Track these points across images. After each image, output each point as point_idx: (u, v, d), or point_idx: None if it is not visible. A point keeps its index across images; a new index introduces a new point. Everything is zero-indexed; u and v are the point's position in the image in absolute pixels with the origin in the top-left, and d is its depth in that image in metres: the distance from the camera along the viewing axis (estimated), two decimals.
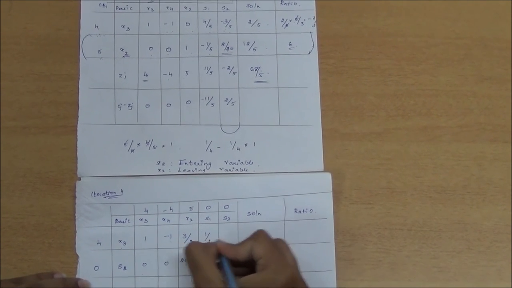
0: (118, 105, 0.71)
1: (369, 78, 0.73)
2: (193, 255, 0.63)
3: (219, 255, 0.63)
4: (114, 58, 0.72)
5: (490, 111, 0.72)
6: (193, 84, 0.72)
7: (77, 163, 0.70)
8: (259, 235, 0.64)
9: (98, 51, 0.72)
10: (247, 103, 0.71)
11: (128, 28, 0.72)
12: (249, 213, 0.69)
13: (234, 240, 0.67)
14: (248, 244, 0.63)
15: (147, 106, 0.71)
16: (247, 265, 0.63)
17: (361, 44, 0.73)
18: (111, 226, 0.69)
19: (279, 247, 0.63)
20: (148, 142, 0.71)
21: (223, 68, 0.72)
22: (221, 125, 0.71)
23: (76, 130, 0.71)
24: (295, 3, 0.73)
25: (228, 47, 0.72)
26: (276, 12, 0.73)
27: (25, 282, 0.65)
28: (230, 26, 0.73)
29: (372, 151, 0.71)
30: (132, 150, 0.70)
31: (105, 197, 0.69)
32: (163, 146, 0.71)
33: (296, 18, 0.73)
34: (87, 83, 0.71)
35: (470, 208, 0.71)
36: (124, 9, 0.73)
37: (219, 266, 0.63)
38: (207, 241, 0.69)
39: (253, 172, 0.70)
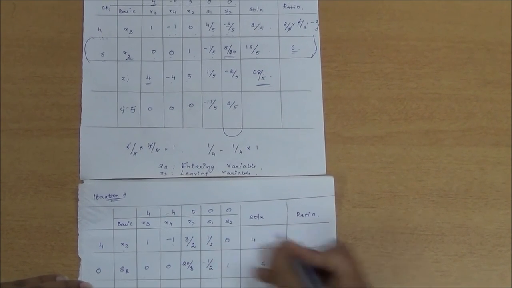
0: (121, 108, 0.71)
1: (371, 82, 0.73)
2: (278, 262, 0.62)
3: (296, 260, 0.62)
4: (117, 61, 0.72)
5: (493, 115, 0.72)
6: (196, 87, 0.72)
7: (79, 165, 0.70)
8: (342, 248, 0.64)
9: (101, 54, 0.72)
10: (249, 106, 0.71)
11: (131, 31, 0.72)
12: (251, 217, 0.69)
13: (236, 245, 0.69)
14: (328, 254, 0.62)
15: (149, 109, 0.71)
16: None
17: (364, 48, 0.74)
18: (114, 229, 0.69)
19: (353, 261, 0.62)
20: (150, 145, 0.71)
21: (225, 71, 0.72)
22: (223, 128, 0.71)
23: (79, 133, 0.71)
24: (298, 7, 0.73)
25: (231, 50, 0.72)
26: (279, 16, 0.73)
27: (26, 284, 0.64)
28: (233, 30, 0.73)
29: (375, 154, 0.71)
30: (135, 153, 0.71)
31: (108, 199, 0.69)
32: (165, 149, 0.71)
33: (299, 22, 0.73)
34: (90, 85, 0.71)
35: (472, 212, 0.71)
36: (127, 12, 0.73)
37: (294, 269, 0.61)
38: (209, 244, 0.69)
39: (255, 175, 0.71)
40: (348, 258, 0.62)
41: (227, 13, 0.73)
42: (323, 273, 0.61)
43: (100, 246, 0.69)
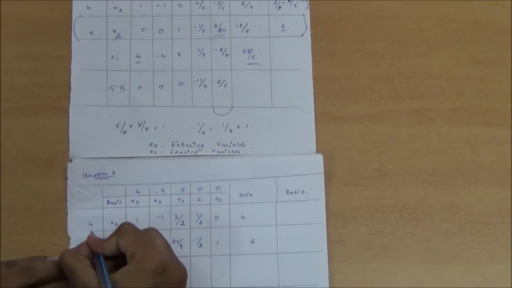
0: (110, 86, 0.72)
1: (362, 61, 0.73)
2: (67, 263, 0.62)
3: (93, 253, 0.63)
4: (107, 39, 0.72)
5: (483, 94, 0.73)
6: (186, 66, 0.72)
7: (69, 144, 0.71)
8: (123, 228, 0.64)
9: (90, 32, 0.72)
10: (239, 85, 0.72)
11: (120, 10, 0.73)
12: (240, 195, 0.70)
13: (225, 223, 0.70)
14: (113, 239, 0.63)
15: (139, 88, 0.72)
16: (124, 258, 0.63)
17: (354, 27, 0.74)
18: (103, 208, 0.70)
19: (146, 236, 0.63)
20: (140, 124, 0.71)
21: (215, 50, 0.72)
22: (213, 107, 0.72)
23: (68, 112, 0.71)
24: None
25: (220, 29, 0.73)
26: None
27: (17, 265, 0.65)
28: (223, 8, 0.73)
29: (365, 133, 0.72)
30: (124, 132, 0.71)
31: (97, 178, 0.70)
32: (155, 128, 0.71)
33: (289, 0, 0.73)
34: (79, 64, 0.72)
35: (462, 190, 0.71)
36: None
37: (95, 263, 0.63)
38: (198, 222, 0.70)
39: (245, 153, 0.71)
40: (134, 235, 0.63)
41: None
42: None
43: (89, 224, 0.70)
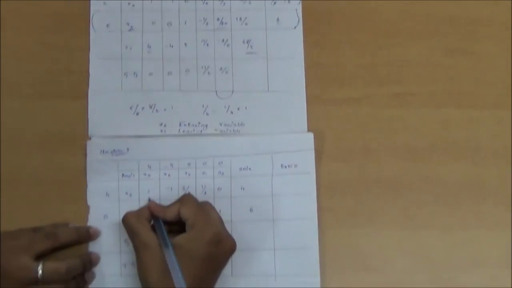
0: (125, 73, 0.75)
1: (348, 51, 0.77)
2: (129, 224, 0.65)
3: (153, 217, 0.66)
4: (121, 31, 0.76)
5: (456, 80, 0.76)
6: (191, 55, 0.76)
7: (88, 124, 0.74)
8: (186, 199, 0.67)
9: (107, 25, 0.76)
10: (239, 72, 0.76)
11: (133, 5, 0.77)
12: (240, 169, 0.73)
13: (227, 193, 0.72)
14: (176, 207, 0.66)
15: (150, 74, 0.75)
16: (181, 224, 0.66)
17: (342, 21, 0.78)
18: (119, 180, 0.73)
19: (204, 209, 0.66)
20: (151, 106, 0.74)
21: (218, 40, 0.76)
22: (216, 91, 0.75)
23: (87, 96, 0.74)
24: None
25: (222, 22, 0.77)
26: None
27: (43, 230, 0.69)
28: (224, 4, 0.77)
29: (351, 114, 0.75)
30: (137, 113, 0.74)
31: (113, 154, 0.73)
32: (164, 110, 0.74)
33: None
34: (96, 54, 0.75)
35: (437, 165, 0.74)
36: None
37: (154, 228, 0.65)
38: (203, 193, 0.73)
39: (244, 132, 0.74)
40: (195, 206, 0.66)
41: None
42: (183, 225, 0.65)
43: (106, 195, 0.72)
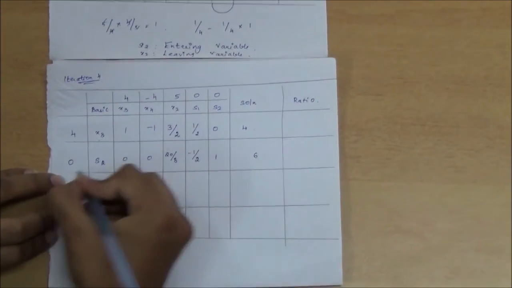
0: None
1: None
2: (56, 203, 0.60)
3: (87, 196, 0.61)
4: None
5: None
6: None
7: (48, 44, 0.68)
8: (127, 172, 0.62)
9: None
10: None
11: None
12: (242, 102, 0.68)
13: (225, 134, 0.67)
14: (114, 182, 0.61)
15: None
16: (121, 204, 0.61)
17: None
18: (87, 116, 0.68)
19: (151, 184, 0.62)
20: (129, 22, 0.69)
21: None
22: (212, 3, 0.69)
23: (48, 7, 0.69)
24: None
25: None
26: None
27: None
28: None
29: (383, 35, 0.69)
30: (112, 30, 0.69)
31: (80, 82, 0.68)
32: (146, 26, 0.69)
33: None
34: None
35: (492, 101, 0.69)
36: None
37: (88, 207, 0.60)
38: (195, 133, 0.68)
39: (248, 56, 0.69)
40: (139, 181, 0.61)
41: None
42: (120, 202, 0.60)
43: (72, 134, 0.67)
